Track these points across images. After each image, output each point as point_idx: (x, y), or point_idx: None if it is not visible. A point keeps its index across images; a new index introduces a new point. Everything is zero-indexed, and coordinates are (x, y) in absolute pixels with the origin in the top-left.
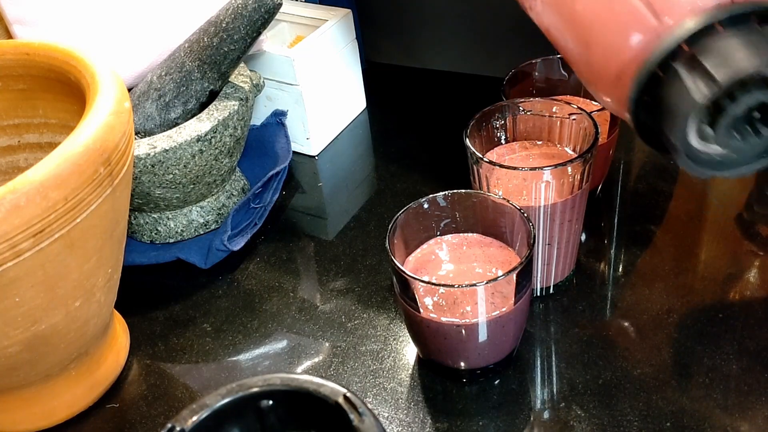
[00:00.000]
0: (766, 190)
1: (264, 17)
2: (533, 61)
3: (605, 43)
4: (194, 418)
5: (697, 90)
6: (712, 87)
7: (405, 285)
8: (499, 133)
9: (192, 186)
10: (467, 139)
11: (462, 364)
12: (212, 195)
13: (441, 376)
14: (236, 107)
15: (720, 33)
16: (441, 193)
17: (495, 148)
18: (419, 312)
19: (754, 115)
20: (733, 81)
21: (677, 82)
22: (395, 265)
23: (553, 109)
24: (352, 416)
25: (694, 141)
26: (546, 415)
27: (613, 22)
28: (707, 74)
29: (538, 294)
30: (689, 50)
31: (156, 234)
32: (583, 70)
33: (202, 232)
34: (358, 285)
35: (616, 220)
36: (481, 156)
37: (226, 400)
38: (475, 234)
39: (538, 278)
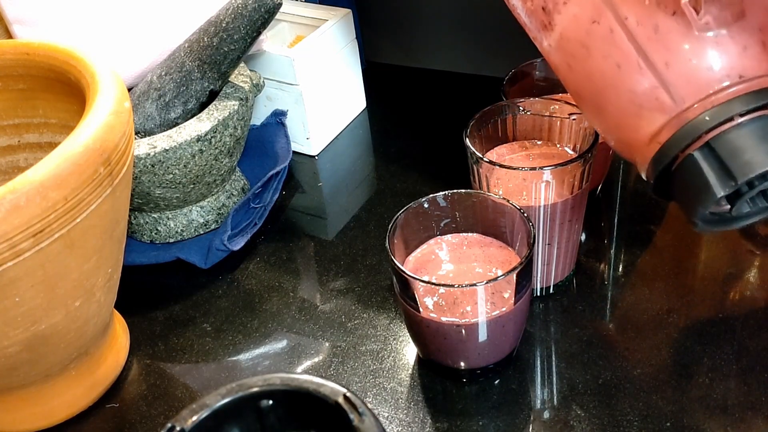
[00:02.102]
0: None
1: (264, 17)
2: (533, 61)
3: (618, 113)
4: (194, 418)
5: (717, 184)
6: (730, 184)
7: (405, 285)
8: (498, 133)
9: (192, 186)
10: (467, 139)
11: (462, 364)
12: (212, 195)
13: (441, 376)
14: (236, 107)
15: (738, 124)
16: (441, 193)
17: (495, 148)
18: (419, 312)
19: None
20: (751, 178)
21: (696, 169)
22: (395, 265)
23: (553, 109)
24: (352, 416)
25: (709, 213)
26: (546, 415)
27: (626, 92)
28: (726, 170)
29: (538, 294)
30: (707, 139)
31: (156, 234)
32: (593, 121)
33: (202, 232)
34: (358, 285)
35: (616, 220)
36: (481, 156)
37: (226, 400)
38: (475, 234)
39: (538, 278)
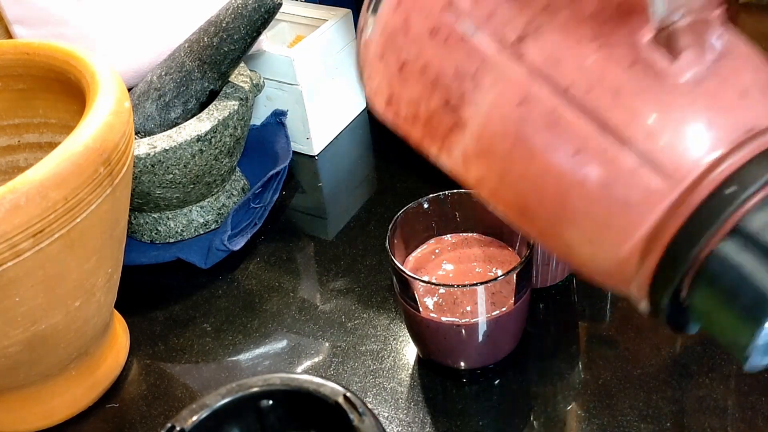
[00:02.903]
0: None
1: (264, 17)
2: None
3: (589, 225)
4: (194, 418)
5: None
6: None
7: (405, 285)
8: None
9: (192, 186)
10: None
11: (462, 364)
12: (212, 195)
13: (441, 376)
14: (236, 107)
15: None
16: (441, 193)
17: None
18: (419, 312)
19: None
20: None
21: (733, 271)
22: (395, 265)
23: None
24: (352, 416)
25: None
26: (546, 415)
27: (595, 189)
28: None
29: (538, 294)
30: (735, 221)
31: (156, 234)
32: (552, 245)
33: (202, 232)
34: (358, 285)
35: None
36: None
37: (226, 400)
38: (475, 234)
39: (538, 278)
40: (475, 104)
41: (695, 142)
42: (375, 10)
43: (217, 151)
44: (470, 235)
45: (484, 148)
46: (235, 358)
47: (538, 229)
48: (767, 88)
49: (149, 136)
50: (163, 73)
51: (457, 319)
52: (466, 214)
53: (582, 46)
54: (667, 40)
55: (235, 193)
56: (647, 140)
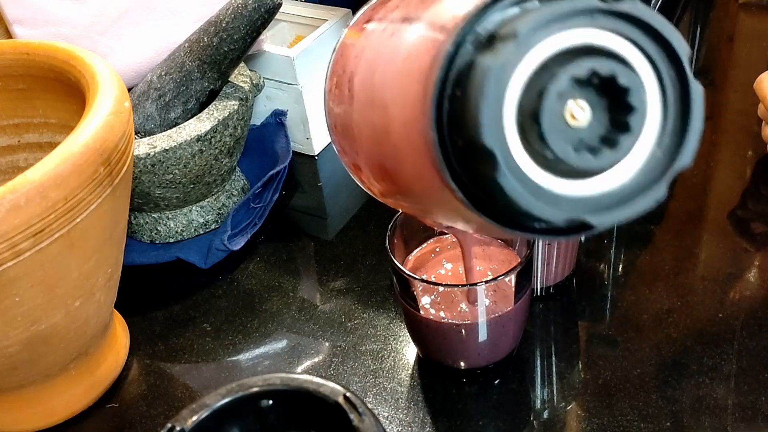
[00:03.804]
0: (762, 189)
1: (264, 17)
2: None
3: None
4: (194, 418)
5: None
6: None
7: (405, 285)
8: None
9: (192, 186)
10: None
11: (462, 364)
12: (212, 195)
13: (441, 376)
14: (236, 107)
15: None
16: None
17: None
18: (419, 312)
19: None
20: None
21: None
22: (395, 264)
23: None
24: (352, 416)
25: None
26: (546, 415)
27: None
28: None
29: (538, 294)
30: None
31: (156, 234)
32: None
33: (202, 232)
34: (358, 285)
35: None
36: None
37: (226, 400)
38: (475, 234)
39: (538, 278)
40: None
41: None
42: None
43: (217, 151)
44: (470, 234)
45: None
46: (235, 358)
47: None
48: None
49: (149, 136)
50: (163, 73)
51: (456, 319)
52: None
53: None
54: None
55: (235, 193)
56: (433, 16)
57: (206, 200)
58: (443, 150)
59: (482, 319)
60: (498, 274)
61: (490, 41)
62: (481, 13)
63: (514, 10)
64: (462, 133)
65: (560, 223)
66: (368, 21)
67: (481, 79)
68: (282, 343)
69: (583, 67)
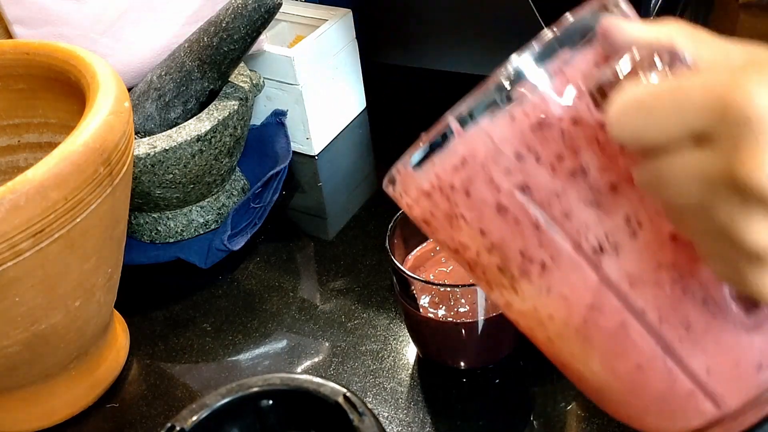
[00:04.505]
0: None
1: (264, 17)
2: None
3: (638, 410)
4: (194, 418)
5: None
6: None
7: (405, 284)
8: None
9: (192, 186)
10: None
11: (462, 363)
12: (212, 195)
13: (441, 376)
14: (236, 107)
15: None
16: None
17: None
18: (419, 311)
19: None
20: None
21: None
22: (395, 264)
23: None
24: (352, 416)
25: None
26: (546, 415)
27: (652, 394)
28: None
29: None
30: None
31: (156, 234)
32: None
33: (202, 232)
34: (358, 285)
35: None
36: None
37: (226, 399)
38: None
39: None
40: (534, 285)
41: (749, 380)
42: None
43: (217, 151)
44: None
45: (537, 320)
46: (235, 358)
47: (589, 390)
48: None
49: (149, 136)
50: (163, 73)
51: (456, 319)
52: None
53: (659, 272)
54: (746, 299)
55: (235, 193)
56: (708, 376)
57: (206, 200)
58: None
59: (482, 319)
60: None
61: None
62: None
63: None
64: None
65: None
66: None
67: None
68: (282, 343)
69: None
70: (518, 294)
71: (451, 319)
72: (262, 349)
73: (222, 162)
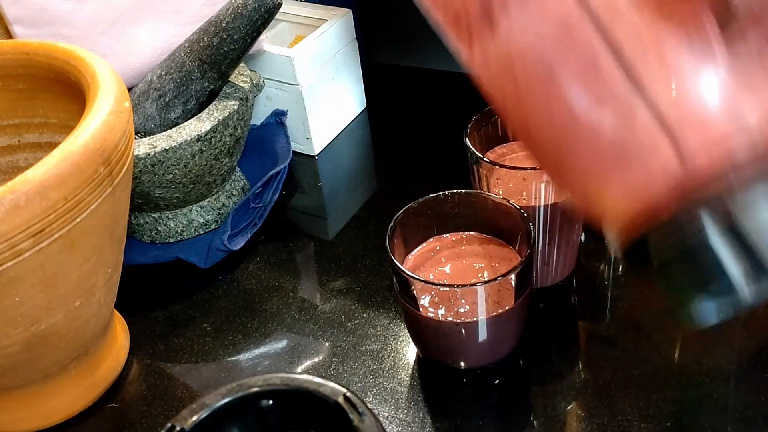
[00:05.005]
0: None
1: (264, 17)
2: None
3: (588, 162)
4: (194, 418)
5: (743, 281)
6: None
7: (405, 284)
8: (498, 133)
9: (192, 186)
10: (467, 139)
11: (462, 363)
12: (212, 195)
13: (441, 376)
14: (236, 107)
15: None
16: (441, 193)
17: (495, 148)
18: (419, 311)
19: None
20: None
21: (710, 256)
22: (395, 264)
23: None
24: (352, 416)
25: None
26: (546, 415)
27: (607, 134)
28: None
29: (538, 294)
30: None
31: (156, 234)
32: (546, 166)
33: (202, 232)
34: (358, 285)
35: None
36: (481, 156)
37: (226, 399)
38: (474, 233)
39: (538, 278)
40: (511, 17)
41: (716, 126)
42: None
43: (217, 151)
44: (470, 233)
45: (508, 68)
46: (235, 358)
47: (539, 151)
48: None
49: (149, 136)
50: (163, 73)
51: (456, 319)
52: (466, 214)
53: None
54: (725, 15)
55: (235, 193)
56: (671, 108)
57: (206, 200)
58: None
59: (482, 319)
60: (498, 273)
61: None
62: None
63: None
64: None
65: None
66: None
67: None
68: (282, 343)
69: None
70: (495, 37)
71: (451, 319)
72: (262, 349)
73: (222, 162)
